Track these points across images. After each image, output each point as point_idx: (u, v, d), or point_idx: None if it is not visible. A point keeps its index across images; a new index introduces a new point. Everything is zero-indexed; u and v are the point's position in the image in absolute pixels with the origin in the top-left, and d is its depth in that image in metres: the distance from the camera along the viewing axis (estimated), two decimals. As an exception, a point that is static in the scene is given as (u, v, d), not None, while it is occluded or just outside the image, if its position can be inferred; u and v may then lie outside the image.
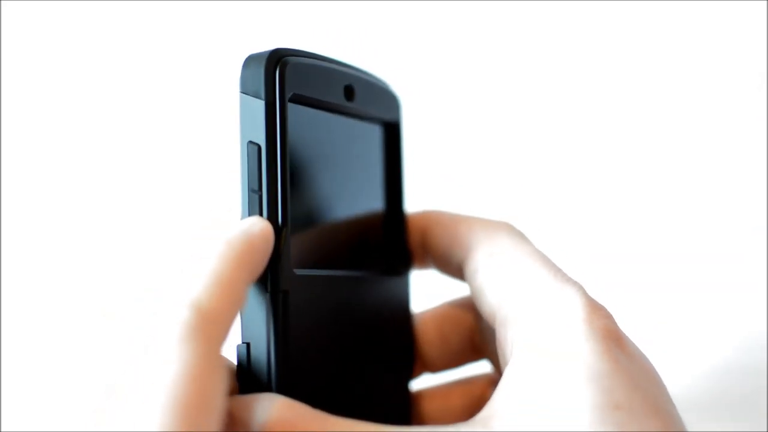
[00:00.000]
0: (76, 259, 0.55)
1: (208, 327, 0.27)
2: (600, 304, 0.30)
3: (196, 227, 0.53)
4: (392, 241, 0.37)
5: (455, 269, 0.36)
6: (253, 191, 0.30)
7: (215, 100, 0.56)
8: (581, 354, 0.28)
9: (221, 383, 0.26)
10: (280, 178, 0.30)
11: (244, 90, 0.31)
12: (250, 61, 0.31)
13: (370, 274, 0.36)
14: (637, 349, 0.29)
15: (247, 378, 0.31)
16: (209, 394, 0.26)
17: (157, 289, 0.50)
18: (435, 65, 0.57)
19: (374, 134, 0.37)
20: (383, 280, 0.36)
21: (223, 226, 0.30)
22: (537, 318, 0.30)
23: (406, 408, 0.38)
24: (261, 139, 0.30)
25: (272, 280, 0.30)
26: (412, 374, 0.38)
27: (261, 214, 0.30)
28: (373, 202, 0.37)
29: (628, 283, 0.53)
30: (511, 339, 0.30)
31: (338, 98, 0.34)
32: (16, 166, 0.56)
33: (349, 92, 0.34)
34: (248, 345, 0.30)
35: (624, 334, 0.29)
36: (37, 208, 0.56)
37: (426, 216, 0.37)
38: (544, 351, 0.28)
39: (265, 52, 0.31)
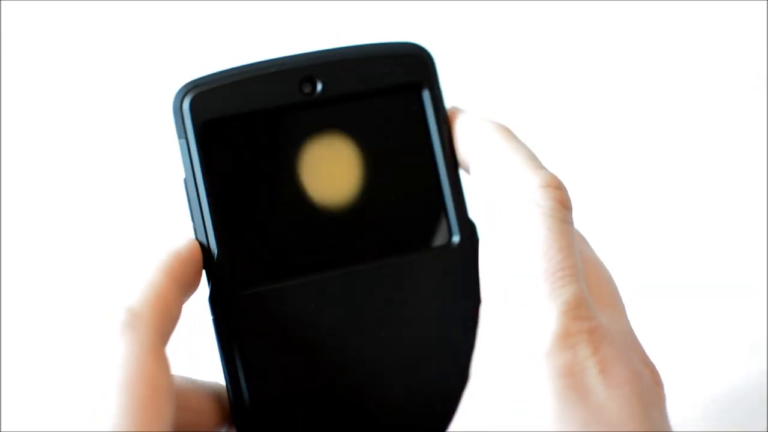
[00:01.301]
0: (76, 260, 0.55)
1: (144, 325, 0.28)
2: (577, 325, 0.27)
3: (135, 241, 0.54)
4: (433, 209, 0.32)
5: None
6: (191, 222, 0.31)
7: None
8: (536, 398, 0.26)
9: (166, 370, 0.27)
10: (206, 209, 0.31)
11: (176, 132, 0.31)
12: (172, 103, 0.31)
13: (388, 261, 0.32)
14: (608, 377, 0.27)
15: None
16: (155, 378, 0.27)
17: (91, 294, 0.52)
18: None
19: (384, 106, 0.33)
20: (412, 262, 0.32)
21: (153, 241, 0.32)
22: (502, 339, 0.28)
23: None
24: (185, 175, 0.31)
25: (212, 307, 0.31)
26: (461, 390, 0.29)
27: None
28: (392, 179, 0.33)
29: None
30: (477, 349, 0.29)
31: (295, 96, 0.31)
32: (16, 166, 0.56)
33: (310, 82, 0.32)
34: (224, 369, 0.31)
35: (592, 363, 0.27)
36: (37, 208, 0.56)
37: (458, 115, 0.33)
38: (500, 385, 0.27)
39: (179, 89, 0.31)
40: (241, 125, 0.31)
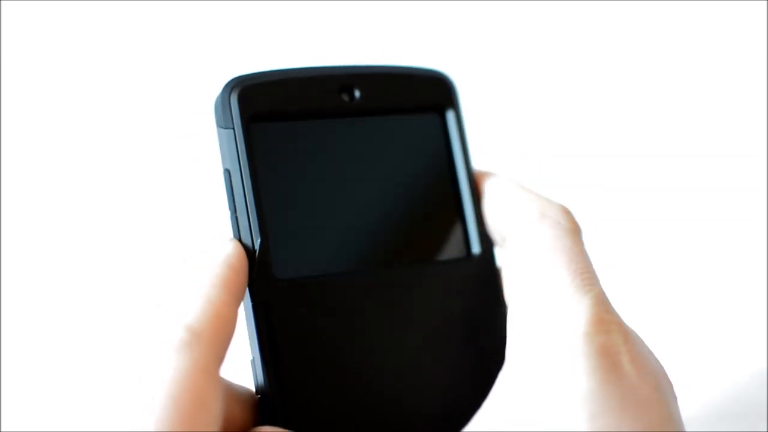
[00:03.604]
0: (76, 260, 0.55)
1: (202, 345, 0.28)
2: (608, 316, 0.29)
3: (185, 247, 0.54)
4: (455, 221, 0.35)
5: (500, 245, 0.35)
6: (231, 212, 0.32)
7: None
8: (572, 374, 0.27)
9: (216, 390, 0.28)
10: (247, 197, 0.31)
11: (216, 123, 0.33)
12: (217, 97, 0.33)
13: (419, 266, 0.34)
14: (638, 365, 0.28)
15: (260, 397, 0.31)
16: (204, 396, 0.27)
17: (150, 304, 0.51)
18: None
19: (414, 124, 0.36)
20: (440, 269, 0.34)
21: (204, 249, 0.32)
22: (538, 326, 0.29)
23: None
24: (229, 165, 0.32)
25: (252, 294, 0.31)
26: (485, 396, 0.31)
27: (237, 232, 0.32)
28: (421, 188, 0.35)
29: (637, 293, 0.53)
30: (511, 340, 0.30)
31: (334, 103, 0.34)
32: (17, 166, 0.56)
33: (348, 91, 0.34)
34: (252, 361, 0.31)
35: (625, 350, 0.28)
36: (37, 208, 0.56)
37: (486, 177, 0.36)
38: (536, 364, 0.28)
39: (227, 82, 0.33)
40: (285, 122, 0.33)
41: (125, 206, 0.56)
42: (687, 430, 0.28)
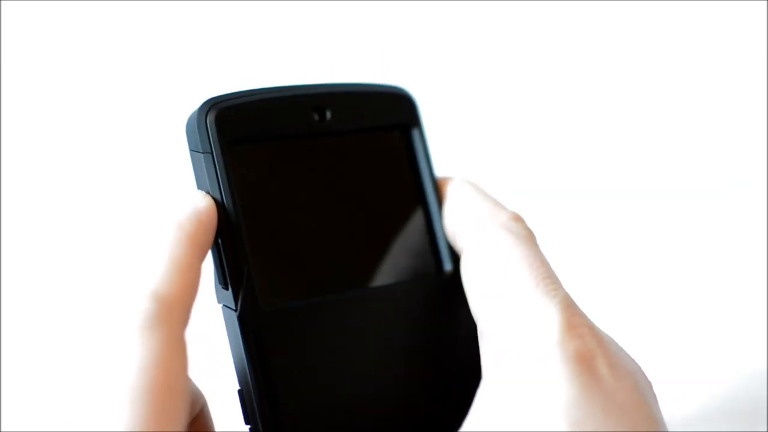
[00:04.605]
0: (77, 260, 0.55)
1: (169, 315, 0.26)
2: (578, 320, 0.29)
3: (144, 205, 0.51)
4: (426, 240, 0.35)
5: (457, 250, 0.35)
6: (214, 241, 0.31)
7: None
8: (551, 383, 0.27)
9: (185, 369, 0.26)
10: (231, 226, 0.31)
11: (189, 146, 0.32)
12: (190, 118, 0.32)
13: (393, 285, 0.34)
14: (614, 368, 0.28)
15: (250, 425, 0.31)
16: (175, 380, 0.25)
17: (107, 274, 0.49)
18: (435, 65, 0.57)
19: (382, 142, 0.36)
20: (414, 287, 0.34)
21: (170, 201, 0.30)
22: (510, 337, 0.29)
23: None
24: (209, 190, 0.31)
25: (242, 325, 0.30)
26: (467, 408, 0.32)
27: (221, 263, 0.31)
28: (394, 207, 0.36)
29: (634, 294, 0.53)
30: (484, 355, 0.30)
31: (307, 124, 0.34)
32: (16, 166, 0.56)
33: (320, 112, 0.34)
34: (240, 392, 0.31)
35: (600, 352, 0.28)
36: (37, 208, 0.56)
37: (444, 183, 0.36)
38: (514, 376, 0.28)
39: (201, 105, 0.32)
40: (260, 145, 0.33)
41: (123, 206, 0.56)
42: (688, 429, 0.28)
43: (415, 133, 0.36)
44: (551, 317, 0.28)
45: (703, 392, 0.50)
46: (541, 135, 0.57)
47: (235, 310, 0.30)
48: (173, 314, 0.26)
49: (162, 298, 0.26)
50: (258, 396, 0.30)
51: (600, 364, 0.28)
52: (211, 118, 0.31)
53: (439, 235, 0.35)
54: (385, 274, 0.34)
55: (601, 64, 0.58)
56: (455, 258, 0.35)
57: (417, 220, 0.35)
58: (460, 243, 0.33)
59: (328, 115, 0.34)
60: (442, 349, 0.34)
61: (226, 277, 0.30)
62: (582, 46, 0.58)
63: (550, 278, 0.30)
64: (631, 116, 0.58)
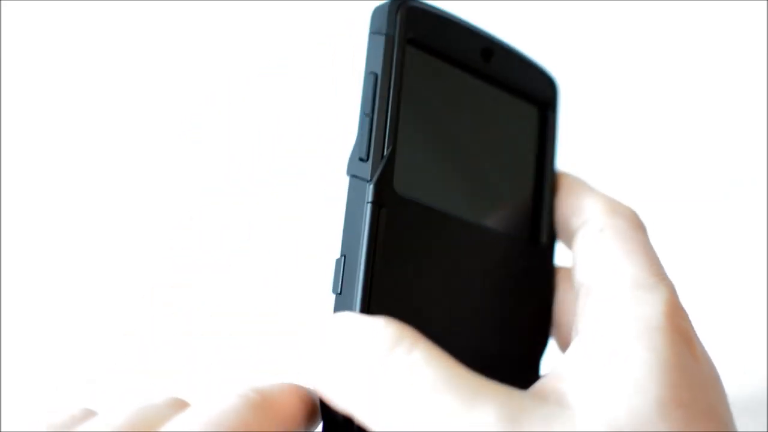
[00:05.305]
0: (81, 263, 0.55)
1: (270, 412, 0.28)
2: (682, 307, 0.31)
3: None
4: (532, 209, 0.38)
5: (569, 237, 0.37)
6: (365, 115, 0.33)
7: (216, 101, 0.56)
8: (655, 346, 0.28)
9: None
10: (390, 104, 0.33)
11: (371, 29, 0.34)
12: (379, 5, 0.34)
13: (498, 233, 0.36)
14: (706, 353, 0.30)
15: (339, 292, 0.32)
16: None
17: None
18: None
19: (521, 109, 0.38)
20: (514, 244, 0.37)
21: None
22: (621, 301, 0.30)
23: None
24: (378, 69, 0.33)
25: (374, 195, 0.32)
26: (540, 356, 0.37)
27: (369, 135, 0.33)
28: (514, 168, 0.38)
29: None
30: (591, 310, 0.31)
31: (473, 59, 0.36)
32: (16, 166, 0.56)
33: (486, 55, 0.36)
34: (339, 260, 0.32)
35: (696, 338, 0.30)
36: (37, 208, 0.56)
37: (558, 177, 0.38)
38: (620, 334, 0.29)
39: None
40: (431, 56, 0.35)
41: (124, 206, 0.56)
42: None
43: (551, 115, 0.39)
44: (661, 295, 0.30)
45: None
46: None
47: (369, 181, 0.32)
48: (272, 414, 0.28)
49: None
50: (366, 261, 0.31)
51: (697, 345, 0.30)
52: (403, 9, 0.34)
53: (545, 210, 0.37)
54: (493, 220, 0.37)
55: (601, 64, 0.58)
56: (551, 235, 0.37)
57: (530, 189, 0.38)
58: (578, 222, 0.36)
59: (492, 61, 0.37)
60: (520, 306, 0.36)
61: (370, 149, 0.32)
62: (582, 47, 0.58)
63: (661, 266, 0.32)
64: (631, 116, 0.58)
